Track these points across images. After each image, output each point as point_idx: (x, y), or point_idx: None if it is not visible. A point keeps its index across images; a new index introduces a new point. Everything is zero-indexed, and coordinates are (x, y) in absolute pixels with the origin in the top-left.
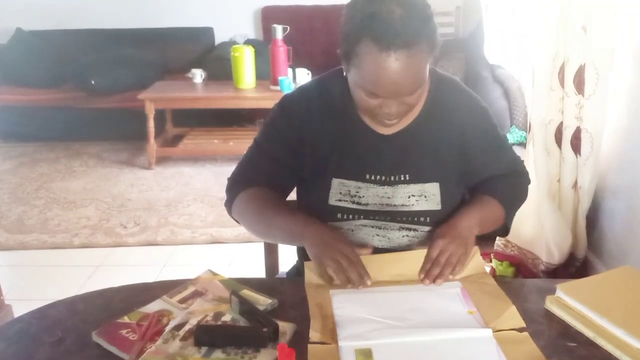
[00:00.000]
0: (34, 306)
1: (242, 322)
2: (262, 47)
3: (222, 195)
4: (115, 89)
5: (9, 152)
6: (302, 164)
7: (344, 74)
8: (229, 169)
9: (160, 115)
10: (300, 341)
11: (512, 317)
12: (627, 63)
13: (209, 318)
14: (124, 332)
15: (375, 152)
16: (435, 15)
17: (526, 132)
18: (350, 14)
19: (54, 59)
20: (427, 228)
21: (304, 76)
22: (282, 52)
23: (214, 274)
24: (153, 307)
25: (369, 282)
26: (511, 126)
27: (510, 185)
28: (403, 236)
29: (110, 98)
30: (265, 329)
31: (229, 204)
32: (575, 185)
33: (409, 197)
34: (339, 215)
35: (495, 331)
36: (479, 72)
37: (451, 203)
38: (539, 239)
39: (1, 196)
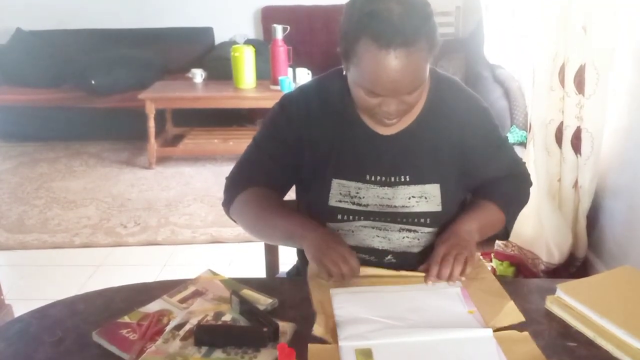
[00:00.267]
0: (34, 306)
1: (243, 322)
2: (262, 47)
3: (222, 195)
4: (116, 89)
5: (9, 152)
6: (301, 164)
7: (344, 73)
8: (229, 168)
9: (160, 115)
10: (300, 341)
11: (511, 312)
12: (627, 63)
13: (209, 318)
14: (124, 332)
15: (376, 152)
16: (435, 15)
17: (526, 132)
18: (349, 13)
19: (53, 59)
20: (427, 229)
21: (304, 76)
22: (282, 52)
23: (214, 273)
24: (153, 307)
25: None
26: (511, 126)
27: (511, 189)
28: (403, 237)
29: (111, 98)
30: (265, 329)
31: (227, 204)
32: (575, 185)
33: (410, 198)
34: (339, 216)
35: (495, 329)
36: (479, 72)
37: (452, 204)
38: (539, 238)
39: (1, 196)
